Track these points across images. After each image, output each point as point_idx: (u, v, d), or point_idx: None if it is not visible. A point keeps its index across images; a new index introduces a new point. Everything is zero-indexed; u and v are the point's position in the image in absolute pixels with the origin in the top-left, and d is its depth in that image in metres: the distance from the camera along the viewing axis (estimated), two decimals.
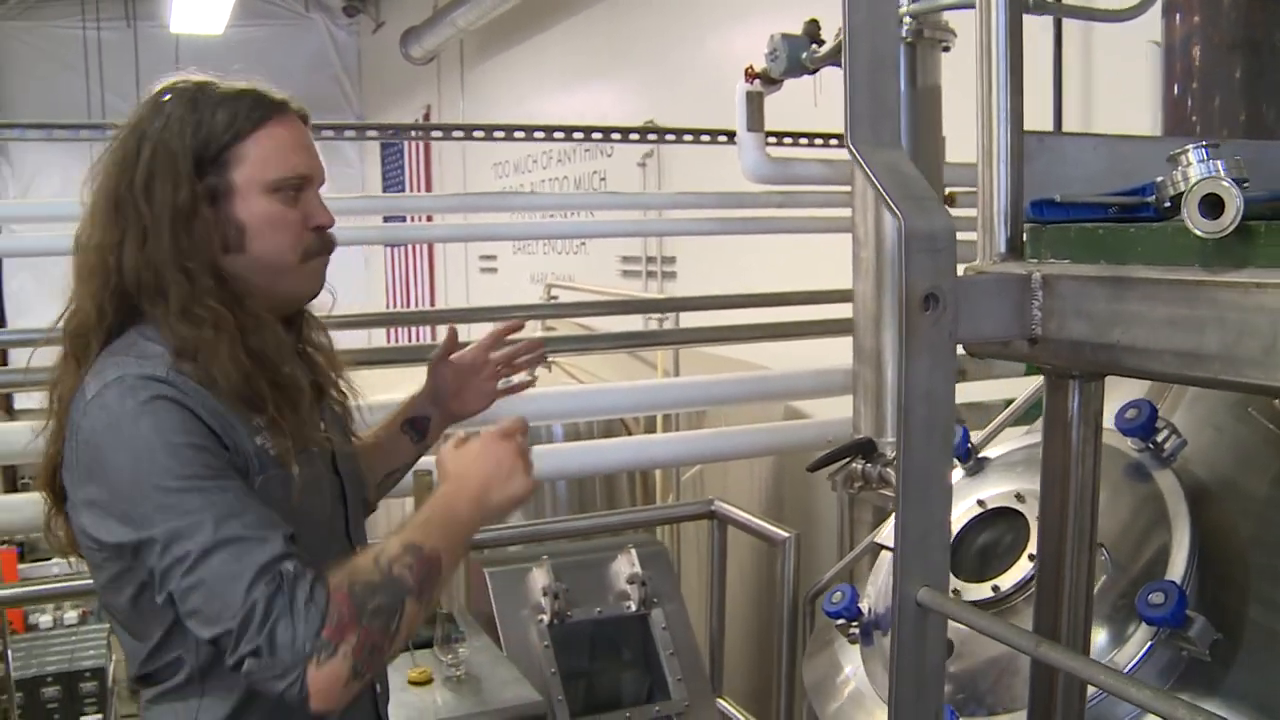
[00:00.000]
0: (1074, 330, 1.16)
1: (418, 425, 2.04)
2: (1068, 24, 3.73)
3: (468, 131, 3.75)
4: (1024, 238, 1.28)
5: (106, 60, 12.62)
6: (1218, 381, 1.04)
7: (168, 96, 1.63)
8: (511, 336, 2.10)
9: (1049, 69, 3.63)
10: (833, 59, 2.80)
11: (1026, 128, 1.32)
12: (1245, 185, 1.03)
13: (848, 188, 3.01)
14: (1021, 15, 1.28)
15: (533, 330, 5.29)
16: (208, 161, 1.60)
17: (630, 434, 4.49)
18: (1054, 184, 1.32)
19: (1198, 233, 1.01)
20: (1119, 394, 1.79)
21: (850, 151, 1.19)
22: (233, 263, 1.62)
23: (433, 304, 11.34)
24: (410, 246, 11.71)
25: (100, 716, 7.11)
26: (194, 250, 1.58)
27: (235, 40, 11.53)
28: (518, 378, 2.13)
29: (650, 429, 4.77)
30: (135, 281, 1.58)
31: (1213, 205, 1.01)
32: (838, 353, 3.54)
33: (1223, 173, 1.06)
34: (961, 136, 2.81)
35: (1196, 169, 1.09)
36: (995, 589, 1.65)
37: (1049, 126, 3.67)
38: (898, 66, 1.21)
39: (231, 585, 1.39)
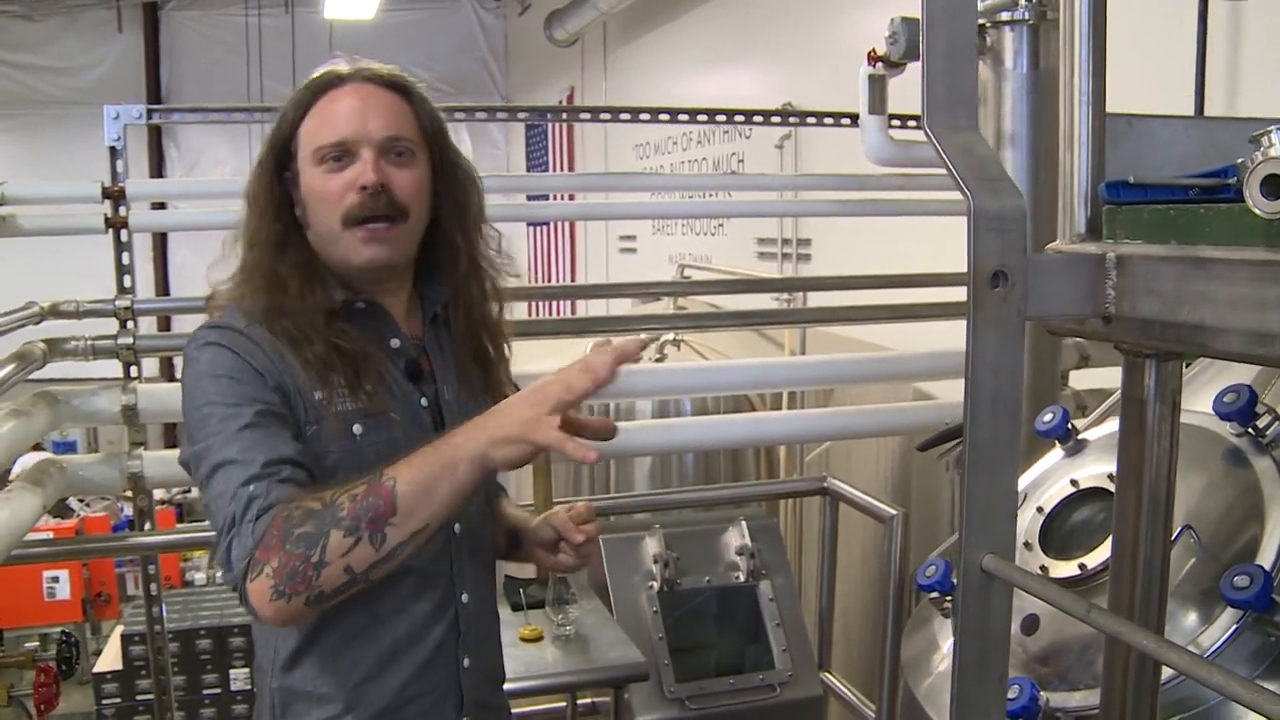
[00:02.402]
0: (1145, 309, 1.18)
1: (513, 539, 2.00)
2: (1214, 4, 3.62)
3: (614, 114, 3.82)
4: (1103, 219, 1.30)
5: (266, 46, 13.12)
6: None
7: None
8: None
9: (1179, 48, 3.54)
10: None
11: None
12: None
13: None
14: None
15: (665, 308, 5.37)
16: (285, 150, 1.74)
17: (755, 410, 4.53)
18: (1142, 166, 1.33)
19: (1258, 212, 1.03)
20: (1225, 379, 1.78)
21: (927, 134, 1.23)
22: (311, 238, 1.75)
23: (573, 281, 11.49)
24: (552, 225, 11.90)
25: (248, 670, 7.50)
26: (279, 234, 1.72)
27: (386, 25, 11.89)
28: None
29: (776, 407, 4.81)
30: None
31: (1274, 185, 1.02)
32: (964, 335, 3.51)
33: None
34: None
35: (1277, 149, 1.10)
36: (1082, 566, 1.67)
37: (1190, 110, 3.58)
38: (974, 55, 1.24)
39: (220, 502, 1.55)
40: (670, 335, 4.71)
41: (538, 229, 12.35)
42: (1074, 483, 1.80)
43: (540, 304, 9.43)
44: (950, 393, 4.01)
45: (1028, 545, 1.77)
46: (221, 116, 3.17)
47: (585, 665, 2.52)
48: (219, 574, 10.58)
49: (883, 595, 4.59)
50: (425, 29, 13.61)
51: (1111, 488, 1.75)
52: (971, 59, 1.25)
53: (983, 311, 1.16)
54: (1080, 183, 1.32)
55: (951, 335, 3.66)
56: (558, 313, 9.29)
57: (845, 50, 6.36)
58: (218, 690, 7.48)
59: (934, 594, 1.93)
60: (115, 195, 2.99)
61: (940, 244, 4.42)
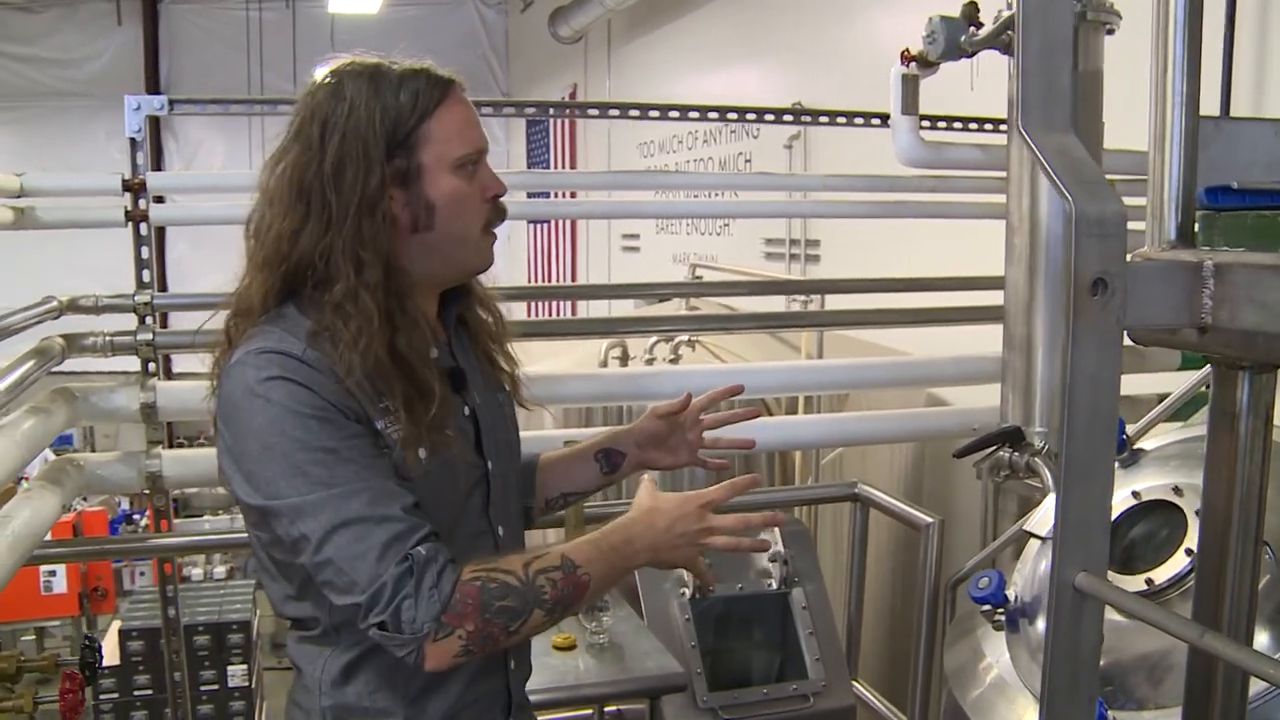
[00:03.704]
0: (1247, 319, 1.14)
1: (612, 458, 2.02)
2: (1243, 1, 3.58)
3: (622, 110, 3.74)
4: (1195, 225, 1.26)
5: (266, 40, 13.08)
6: None
7: (345, 81, 1.65)
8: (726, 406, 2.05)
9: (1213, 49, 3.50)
10: (991, 43, 2.74)
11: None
12: None
13: (1002, 173, 2.95)
14: None
15: (676, 309, 5.32)
16: (396, 144, 1.64)
17: (771, 415, 4.48)
18: (1229, 171, 1.29)
19: None
20: None
21: (1020, 135, 1.18)
22: (421, 241, 1.67)
23: (574, 280, 11.42)
24: (553, 223, 11.84)
25: (245, 667, 7.47)
26: (374, 237, 1.62)
27: (389, 20, 11.82)
28: (716, 455, 2.08)
29: (791, 411, 4.76)
30: (307, 267, 1.62)
31: None
32: (979, 340, 3.49)
33: None
34: (1115, 122, 2.75)
35: None
36: (1149, 582, 1.63)
37: (1214, 110, 3.54)
38: (1070, 50, 1.20)
39: (358, 564, 1.49)
40: (685, 336, 4.66)
41: (538, 227, 12.30)
42: (1135, 495, 1.76)
43: (537, 304, 9.37)
44: (966, 398, 3.97)
45: None
46: (242, 109, 3.11)
47: (621, 675, 2.46)
48: (218, 569, 10.54)
49: (900, 601, 4.57)
50: (427, 24, 13.56)
51: (1176, 500, 1.72)
52: (1067, 57, 1.21)
53: (1083, 320, 1.11)
54: (1171, 187, 1.27)
55: (967, 339, 3.62)
56: (558, 313, 9.23)
57: (854, 50, 6.33)
58: (215, 687, 7.44)
59: (986, 606, 1.89)
60: (136, 188, 2.92)
61: (957, 246, 4.40)
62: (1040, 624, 1.82)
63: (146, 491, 2.83)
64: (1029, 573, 1.93)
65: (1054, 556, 1.17)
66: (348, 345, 1.57)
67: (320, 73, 1.70)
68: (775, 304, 5.52)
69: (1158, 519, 1.74)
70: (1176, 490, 1.71)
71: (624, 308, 6.58)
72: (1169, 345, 1.28)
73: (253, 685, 7.53)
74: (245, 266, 1.69)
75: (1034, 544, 1.97)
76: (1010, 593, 1.89)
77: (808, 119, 3.78)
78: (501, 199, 1.75)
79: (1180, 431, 1.97)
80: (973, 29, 2.80)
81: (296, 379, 1.55)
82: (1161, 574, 1.62)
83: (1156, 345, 1.31)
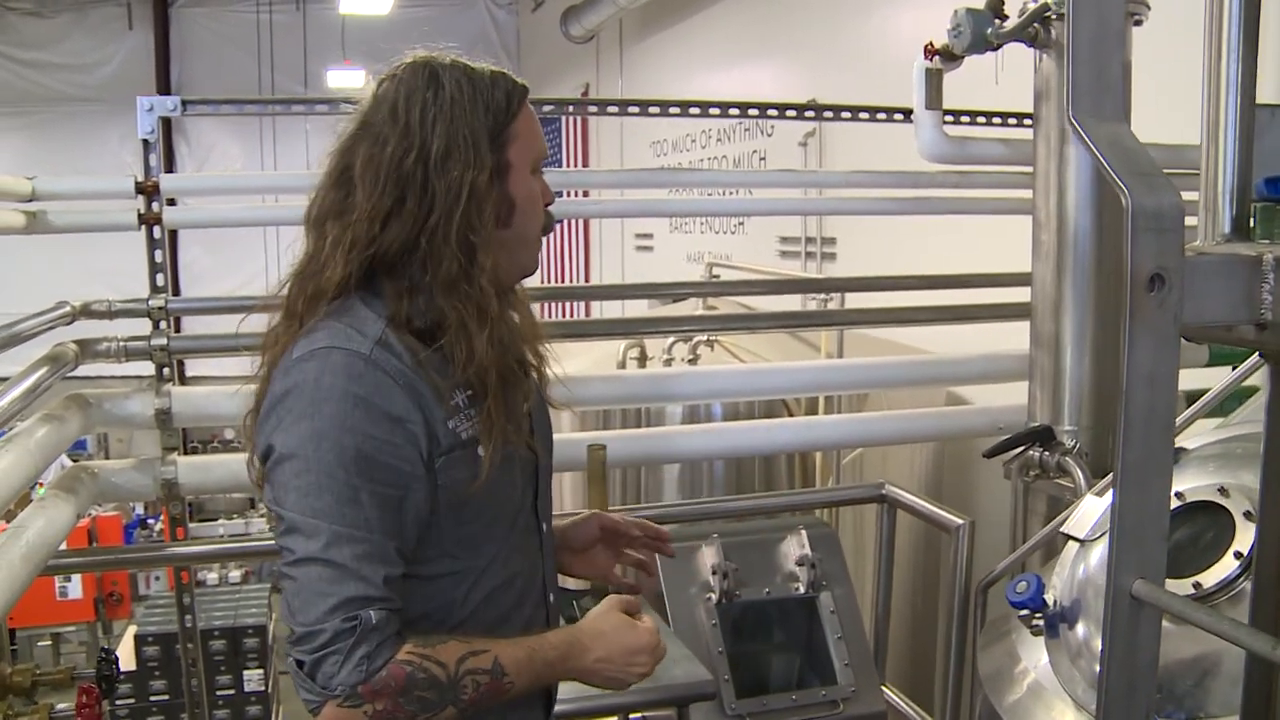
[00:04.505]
0: None
1: None
2: None
3: (641, 107, 3.69)
4: (1251, 217, 1.22)
5: (277, 42, 13.10)
6: None
7: (439, 71, 1.62)
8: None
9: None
10: (1018, 35, 2.70)
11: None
12: None
13: (1028, 168, 2.91)
14: None
15: (693, 308, 5.27)
16: (493, 138, 1.62)
17: (791, 415, 4.44)
18: None
19: None
20: None
21: (1071, 125, 1.14)
22: (497, 238, 1.62)
23: (587, 280, 11.40)
24: (566, 223, 11.79)
25: (261, 671, 7.45)
26: (482, 225, 1.58)
27: (399, 21, 11.81)
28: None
29: (811, 411, 4.71)
30: (399, 251, 1.58)
31: None
32: (1002, 337, 3.44)
33: None
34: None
35: None
36: (1196, 585, 1.58)
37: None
38: (1122, 39, 1.15)
39: (315, 601, 1.46)
40: (704, 336, 4.62)
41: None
42: (1179, 496, 1.71)
43: (551, 304, 9.31)
44: (986, 396, 3.92)
45: None
46: (256, 109, 3.09)
47: (649, 683, 2.39)
48: (233, 573, 10.52)
49: (923, 604, 4.52)
50: (438, 25, 13.54)
51: (1222, 501, 1.67)
52: (1120, 45, 1.17)
53: (1139, 317, 1.07)
54: (1226, 178, 1.23)
55: (990, 337, 3.56)
56: (571, 314, 9.20)
57: (867, 48, 6.29)
58: (232, 692, 7.44)
59: (1024, 611, 1.84)
60: (149, 190, 2.88)
61: (976, 242, 4.35)
62: (1080, 628, 1.78)
63: (161, 498, 2.80)
64: (1067, 576, 1.88)
65: (1109, 563, 1.13)
66: (466, 332, 1.55)
67: (397, 63, 1.67)
68: (792, 303, 5.47)
69: (1202, 521, 1.69)
70: (1222, 491, 1.66)
71: (637, 308, 6.54)
72: (1223, 342, 1.24)
73: (269, 690, 7.52)
74: (315, 250, 1.63)
75: (1071, 546, 1.92)
76: (1049, 596, 1.84)
77: (830, 115, 3.73)
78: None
79: (1222, 430, 1.92)
80: (998, 21, 2.76)
81: (357, 390, 1.50)
82: (1210, 578, 1.57)
83: (1209, 342, 1.27)
